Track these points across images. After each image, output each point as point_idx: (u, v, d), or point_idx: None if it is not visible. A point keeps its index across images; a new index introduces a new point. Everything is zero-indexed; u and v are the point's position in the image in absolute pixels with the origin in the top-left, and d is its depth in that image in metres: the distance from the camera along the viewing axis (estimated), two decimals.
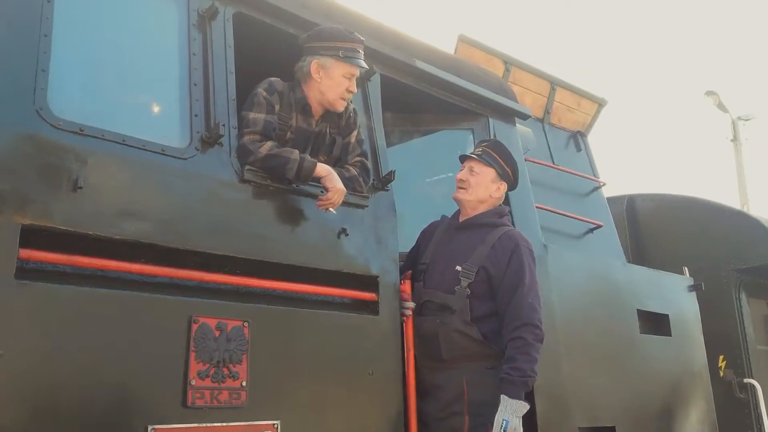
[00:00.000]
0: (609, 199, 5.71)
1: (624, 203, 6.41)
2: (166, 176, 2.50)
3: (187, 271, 2.50)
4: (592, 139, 5.84)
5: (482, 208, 3.38)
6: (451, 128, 4.14)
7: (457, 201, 3.42)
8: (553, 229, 4.58)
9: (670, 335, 4.73)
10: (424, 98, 3.86)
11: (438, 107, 3.99)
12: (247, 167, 2.73)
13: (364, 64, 3.07)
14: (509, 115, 4.23)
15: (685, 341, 4.87)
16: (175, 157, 2.54)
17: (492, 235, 3.27)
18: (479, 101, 4.04)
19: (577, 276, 4.15)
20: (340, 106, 3.06)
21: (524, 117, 4.36)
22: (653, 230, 6.26)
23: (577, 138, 5.65)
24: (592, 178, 5.49)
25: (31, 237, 2.14)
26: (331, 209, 2.87)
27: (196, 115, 2.67)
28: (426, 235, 3.50)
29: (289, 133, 2.99)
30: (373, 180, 3.22)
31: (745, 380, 5.56)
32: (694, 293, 5.12)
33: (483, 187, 3.37)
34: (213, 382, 2.43)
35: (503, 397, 2.97)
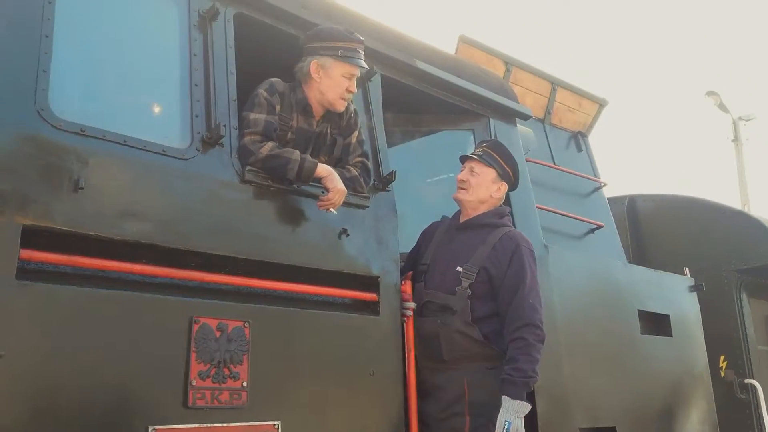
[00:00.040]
0: (610, 200, 5.71)
1: (625, 203, 6.41)
2: (167, 177, 2.50)
3: (187, 272, 2.51)
4: (593, 139, 5.85)
5: (483, 209, 3.38)
6: (451, 129, 4.14)
7: (458, 201, 3.42)
8: (553, 230, 4.58)
9: (671, 336, 4.73)
10: (425, 99, 3.86)
11: (439, 108, 3.99)
12: (248, 168, 2.73)
13: (363, 63, 3.06)
14: (510, 116, 4.23)
15: (686, 341, 4.87)
16: (175, 158, 2.54)
17: (493, 236, 3.27)
18: (480, 102, 4.04)
19: (577, 276, 4.15)
20: (340, 106, 3.05)
21: (525, 117, 4.36)
22: (654, 230, 6.26)
23: (578, 138, 5.65)
24: (593, 178, 5.49)
25: (32, 237, 2.14)
26: (332, 210, 2.87)
27: (197, 116, 2.67)
28: (426, 235, 3.50)
29: (290, 134, 2.99)
30: (374, 180, 3.22)
31: (746, 381, 5.56)
32: (695, 293, 5.12)
33: (483, 188, 3.37)
34: (214, 382, 2.43)
35: (505, 398, 2.96)
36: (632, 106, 34.41)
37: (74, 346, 2.16)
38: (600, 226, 5.07)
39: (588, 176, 5.44)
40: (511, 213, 3.58)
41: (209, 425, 2.40)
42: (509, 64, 5.11)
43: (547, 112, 5.40)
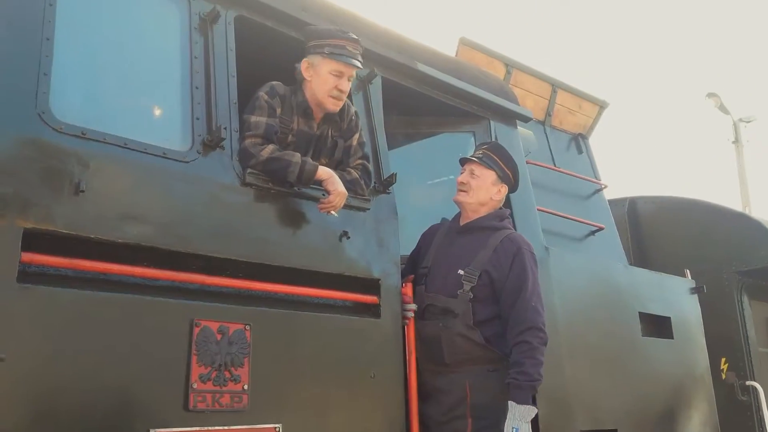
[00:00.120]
0: (610, 202, 5.71)
1: (625, 205, 6.41)
2: (167, 179, 2.50)
3: (188, 275, 2.51)
4: (594, 141, 5.85)
5: (483, 211, 3.38)
6: (452, 131, 4.14)
7: (458, 204, 3.42)
8: (554, 232, 4.57)
9: (672, 338, 4.73)
10: (426, 101, 3.86)
11: (439, 110, 3.99)
12: (249, 170, 2.73)
13: (352, 61, 3.00)
14: (510, 118, 4.24)
15: (687, 344, 4.87)
16: (176, 161, 2.54)
17: (494, 239, 3.27)
18: (480, 104, 4.04)
19: (578, 278, 4.15)
20: (330, 105, 3.02)
21: (525, 119, 4.37)
22: (655, 232, 6.26)
23: (579, 140, 5.65)
24: (594, 180, 5.49)
25: (33, 240, 2.14)
26: (332, 212, 2.87)
27: (197, 119, 2.67)
28: (427, 238, 3.50)
29: (290, 137, 2.99)
30: (375, 183, 3.22)
31: (747, 383, 5.55)
32: (695, 296, 5.12)
33: (484, 190, 3.37)
34: (215, 385, 2.43)
35: (511, 404, 2.96)
36: (633, 108, 34.42)
37: (75, 349, 2.16)
38: (601, 228, 5.07)
39: (588, 178, 5.44)
40: (511, 215, 3.58)
41: (210, 428, 2.40)
42: (510, 66, 5.11)
43: (548, 114, 5.40)
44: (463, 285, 3.17)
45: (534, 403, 3.01)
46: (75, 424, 2.14)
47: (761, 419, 5.44)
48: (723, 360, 5.61)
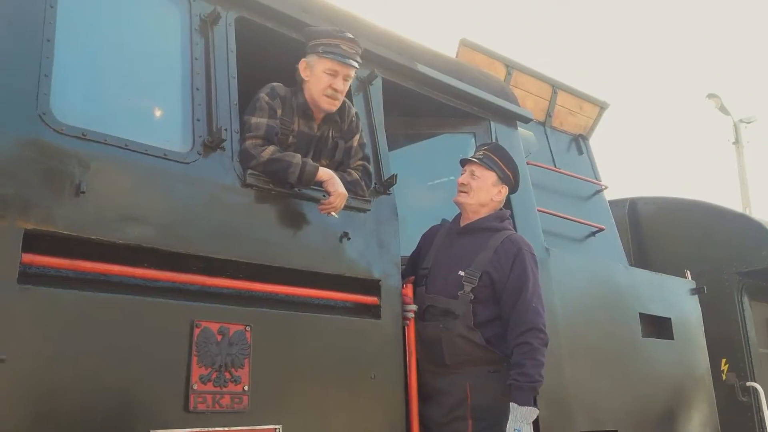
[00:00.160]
0: (611, 203, 5.72)
1: (626, 206, 6.41)
2: (168, 181, 2.50)
3: (189, 276, 2.51)
4: (594, 142, 5.85)
5: (483, 212, 3.38)
6: (452, 132, 4.14)
7: (459, 205, 3.42)
8: (555, 233, 4.58)
9: (673, 339, 4.73)
10: (426, 102, 3.86)
11: (440, 111, 3.99)
12: (249, 171, 2.73)
13: (346, 59, 2.97)
14: (511, 119, 4.24)
15: (688, 344, 4.87)
16: (177, 162, 2.54)
17: (494, 240, 3.27)
18: (481, 105, 4.04)
19: (579, 279, 4.15)
20: (325, 104, 3.01)
21: (526, 120, 4.37)
22: (655, 233, 6.26)
23: (579, 141, 5.65)
24: (594, 181, 5.49)
25: (33, 242, 2.14)
26: (333, 213, 2.87)
27: (198, 120, 2.67)
28: (427, 239, 3.50)
29: (291, 138, 2.99)
30: (375, 184, 3.22)
31: (748, 383, 5.55)
32: (696, 296, 5.12)
33: (484, 191, 3.37)
34: (215, 386, 2.43)
35: (513, 405, 2.96)
36: (633, 109, 34.42)
37: (76, 350, 2.16)
38: (601, 229, 5.08)
39: (589, 179, 5.44)
40: (511, 216, 3.58)
41: (210, 429, 2.40)
42: (510, 67, 5.11)
43: (548, 115, 5.41)
44: (464, 286, 3.17)
45: (535, 404, 3.01)
46: (75, 425, 2.14)
47: (761, 420, 5.44)
48: (723, 361, 5.61)
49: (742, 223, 6.09)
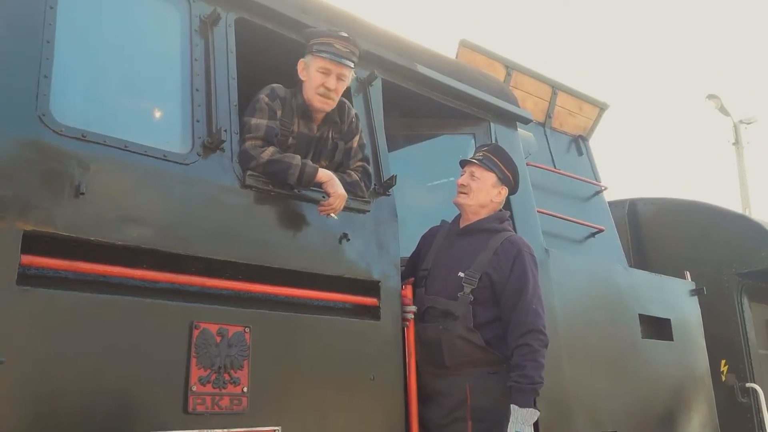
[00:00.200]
0: (610, 203, 5.72)
1: (625, 207, 6.41)
2: (167, 182, 2.50)
3: (188, 277, 2.51)
4: (594, 143, 5.85)
5: (483, 213, 3.38)
6: (452, 133, 4.14)
7: (458, 206, 3.42)
8: (554, 234, 4.57)
9: (672, 340, 4.73)
10: (426, 103, 3.86)
11: (439, 112, 3.99)
12: (249, 173, 2.73)
13: (338, 58, 2.95)
14: (511, 120, 4.23)
15: (687, 346, 4.87)
16: (176, 163, 2.54)
17: (494, 241, 3.26)
18: (481, 106, 4.04)
19: (578, 280, 4.15)
20: (318, 103, 3.00)
21: (526, 121, 4.37)
22: (655, 234, 6.26)
23: (579, 142, 5.65)
24: (594, 182, 5.49)
25: (33, 243, 2.14)
26: (332, 215, 2.87)
27: (198, 121, 2.67)
28: (426, 240, 3.50)
29: (291, 139, 2.99)
30: (375, 185, 3.22)
31: (747, 384, 5.54)
32: (695, 297, 5.12)
33: (484, 192, 3.37)
34: (214, 387, 2.42)
35: (514, 407, 2.96)
36: (633, 110, 34.42)
37: (75, 352, 2.16)
38: (601, 230, 5.07)
39: (589, 180, 5.44)
40: (511, 217, 3.58)
41: (209, 431, 2.39)
42: (510, 68, 5.11)
43: (548, 115, 5.41)
44: (464, 287, 3.16)
45: (535, 406, 3.01)
46: (75, 427, 2.14)
47: (761, 421, 5.43)
48: (723, 362, 5.61)
49: (741, 224, 6.09)
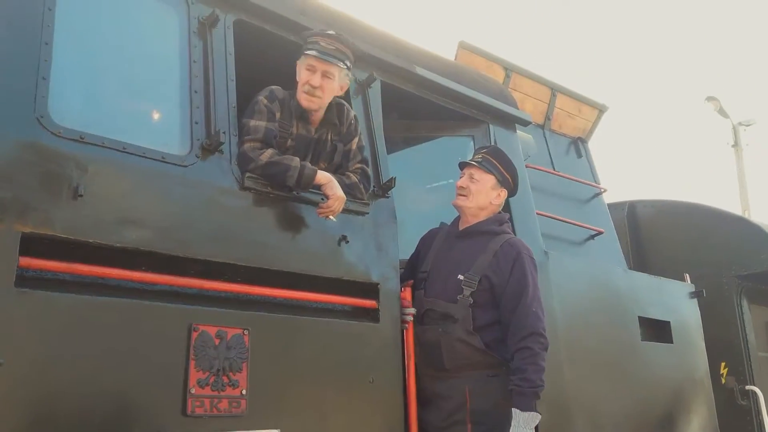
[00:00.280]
0: (610, 206, 5.71)
1: (625, 209, 6.41)
2: (166, 184, 2.50)
3: (187, 279, 2.50)
4: (593, 145, 5.85)
5: (482, 215, 3.37)
6: (451, 135, 4.14)
7: (458, 208, 3.41)
8: (554, 236, 4.57)
9: (672, 342, 4.73)
10: (425, 105, 3.86)
11: (438, 114, 3.99)
12: (248, 175, 2.72)
13: (322, 55, 2.93)
14: (510, 122, 4.23)
15: (687, 348, 4.86)
16: (175, 165, 2.54)
17: (493, 243, 3.26)
18: (480, 108, 4.04)
19: (578, 283, 4.15)
20: (304, 101, 2.98)
21: (525, 123, 4.37)
22: (654, 236, 6.26)
23: (578, 144, 5.65)
24: (593, 184, 5.49)
25: (31, 245, 2.13)
26: (331, 217, 2.87)
27: (196, 123, 2.67)
28: (425, 242, 3.49)
29: (290, 141, 2.98)
30: (374, 187, 3.22)
31: (747, 387, 5.54)
32: (695, 300, 5.11)
33: (483, 194, 3.36)
34: (213, 390, 2.42)
35: (515, 411, 2.95)
36: (632, 112, 34.47)
37: (73, 354, 2.16)
38: (600, 232, 5.07)
39: (588, 182, 5.44)
40: (510, 219, 3.58)
41: None
42: (509, 69, 5.12)
43: (547, 117, 5.41)
44: (463, 290, 3.16)
45: (537, 409, 3.00)
46: (73, 429, 2.13)
47: (761, 424, 5.43)
48: (723, 364, 5.60)
49: (741, 226, 6.09)
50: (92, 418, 2.17)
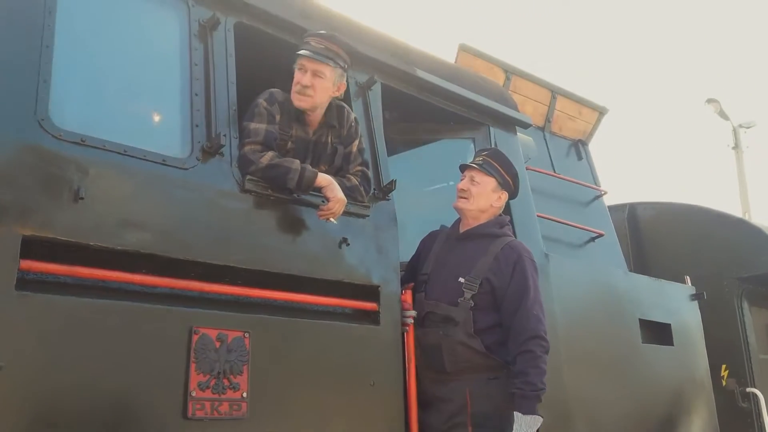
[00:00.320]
0: (610, 208, 5.71)
1: (625, 212, 6.41)
2: (167, 186, 2.50)
3: (187, 282, 2.50)
4: (593, 147, 5.85)
5: (483, 218, 3.37)
6: (451, 137, 4.14)
7: (458, 210, 3.41)
8: (554, 238, 4.57)
9: (673, 344, 4.73)
10: (425, 107, 3.86)
11: (439, 116, 3.99)
12: (248, 177, 2.72)
13: (312, 54, 2.93)
14: (510, 124, 4.23)
15: (688, 350, 4.86)
16: (176, 168, 2.54)
17: (494, 246, 3.26)
18: (480, 110, 4.04)
19: (578, 285, 4.14)
20: (295, 101, 2.98)
21: (525, 126, 4.37)
22: (655, 239, 6.26)
23: (578, 146, 5.65)
24: (594, 186, 5.49)
25: (32, 248, 2.13)
26: (332, 219, 2.87)
27: (197, 126, 2.67)
28: (426, 244, 3.49)
29: (290, 143, 2.98)
30: (374, 189, 3.22)
31: (748, 389, 5.54)
32: (696, 302, 5.11)
33: (484, 197, 3.36)
34: (213, 393, 2.42)
35: (517, 415, 2.95)
36: (632, 114, 34.50)
37: (74, 357, 2.15)
38: (600, 235, 5.07)
39: (588, 184, 5.44)
40: (511, 222, 3.57)
41: None
42: (509, 72, 5.11)
43: (547, 120, 5.41)
44: (464, 293, 3.16)
45: (538, 412, 3.00)
46: None
47: (762, 426, 5.43)
48: (723, 367, 5.60)
49: (741, 228, 6.10)
50: (93, 421, 2.17)
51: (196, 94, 2.71)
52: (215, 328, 2.48)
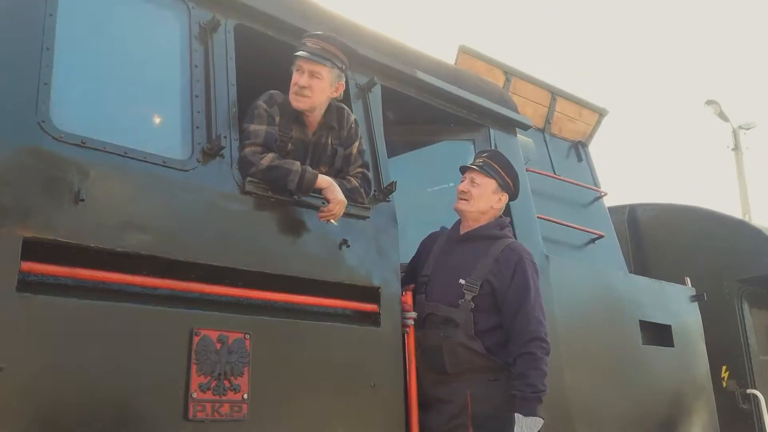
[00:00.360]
0: (610, 209, 5.72)
1: (625, 213, 6.41)
2: (167, 188, 2.50)
3: (188, 284, 2.50)
4: (593, 149, 5.86)
5: (484, 220, 3.37)
6: (452, 139, 4.14)
7: (459, 212, 3.41)
8: (554, 240, 4.57)
9: (673, 346, 4.73)
10: (425, 109, 3.87)
11: (439, 118, 3.99)
12: (249, 179, 2.73)
13: (309, 55, 2.94)
14: (510, 126, 4.24)
15: (688, 352, 4.86)
16: (176, 169, 2.54)
17: (495, 248, 3.26)
18: (480, 112, 4.05)
19: (579, 286, 4.15)
20: (293, 102, 2.98)
21: (525, 127, 4.37)
22: (655, 240, 6.26)
23: (578, 148, 5.65)
24: (594, 188, 5.49)
25: (32, 250, 2.13)
26: (332, 221, 2.87)
27: (197, 127, 2.67)
28: (426, 245, 3.49)
29: (290, 145, 2.99)
30: (375, 191, 3.22)
31: (748, 391, 5.54)
32: (696, 303, 5.11)
33: (484, 199, 3.36)
34: (214, 394, 2.42)
35: (518, 416, 2.95)
36: (632, 116, 34.51)
37: (75, 359, 2.15)
38: (601, 236, 5.07)
39: (588, 186, 5.44)
40: (511, 223, 3.57)
41: None
42: (509, 74, 5.12)
43: (547, 121, 5.41)
44: (465, 294, 3.16)
45: (539, 414, 3.00)
46: None
47: (762, 427, 5.43)
48: (724, 368, 5.60)
49: (741, 229, 6.10)
50: (94, 422, 2.16)
51: (197, 96, 2.71)
52: (216, 329, 2.48)
